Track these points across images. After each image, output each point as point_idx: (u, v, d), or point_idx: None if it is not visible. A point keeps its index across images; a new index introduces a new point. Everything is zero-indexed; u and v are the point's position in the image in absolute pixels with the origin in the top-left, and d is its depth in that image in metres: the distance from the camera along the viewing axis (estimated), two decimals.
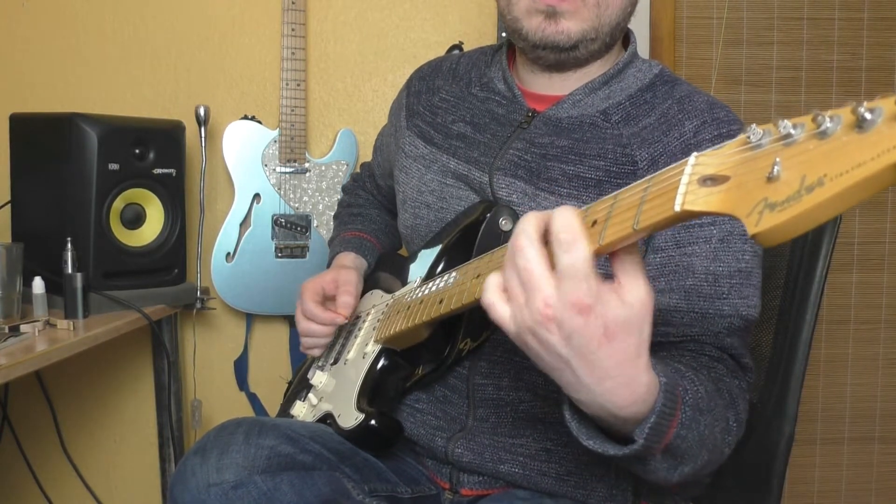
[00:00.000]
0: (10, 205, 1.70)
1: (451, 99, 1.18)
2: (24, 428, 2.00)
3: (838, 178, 0.42)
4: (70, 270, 1.51)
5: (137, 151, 1.63)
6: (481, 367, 1.04)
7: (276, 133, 1.89)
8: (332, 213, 1.49)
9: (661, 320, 0.95)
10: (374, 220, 1.37)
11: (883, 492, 2.28)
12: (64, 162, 1.57)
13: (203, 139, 1.84)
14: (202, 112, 1.83)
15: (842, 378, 2.25)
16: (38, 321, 1.43)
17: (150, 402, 1.95)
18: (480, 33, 2.03)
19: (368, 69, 2.04)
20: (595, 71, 1.08)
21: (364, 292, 1.22)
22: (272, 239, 1.90)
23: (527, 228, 0.62)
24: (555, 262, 0.61)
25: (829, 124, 0.45)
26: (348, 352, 1.15)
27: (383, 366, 1.06)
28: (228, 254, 1.88)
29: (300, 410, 1.18)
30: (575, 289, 0.60)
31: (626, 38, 1.12)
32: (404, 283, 1.13)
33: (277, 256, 1.91)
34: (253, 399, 2.06)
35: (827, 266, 1.14)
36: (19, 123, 1.70)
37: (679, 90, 1.06)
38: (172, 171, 1.69)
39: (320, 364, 1.22)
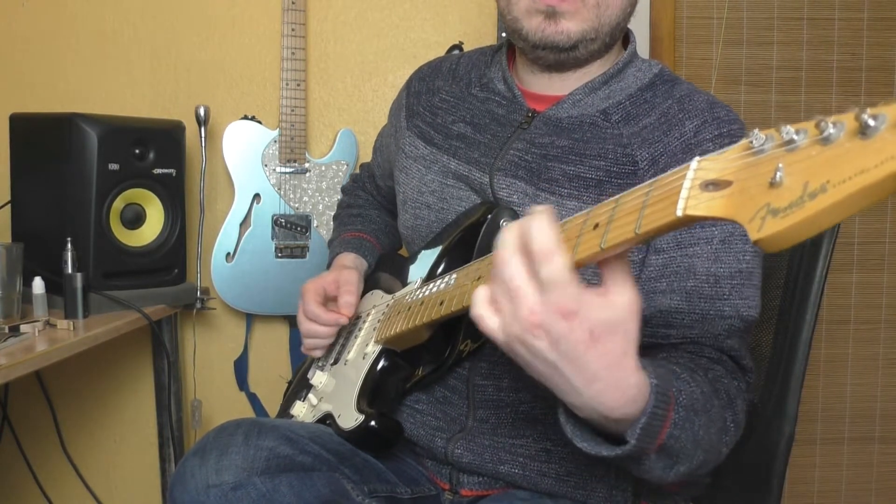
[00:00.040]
0: (10, 205, 1.70)
1: (451, 99, 1.18)
2: (24, 428, 2.00)
3: (841, 185, 0.42)
4: (70, 270, 1.51)
5: (137, 151, 1.63)
6: (482, 367, 1.04)
7: (276, 133, 1.89)
8: (332, 214, 1.49)
9: (662, 322, 0.95)
10: (373, 221, 1.37)
11: (883, 492, 2.28)
12: (64, 162, 1.57)
13: (203, 139, 1.84)
14: (202, 112, 1.83)
15: (842, 378, 2.25)
16: (38, 321, 1.43)
17: (150, 402, 1.95)
18: (480, 33, 2.03)
19: (368, 69, 2.04)
20: (595, 71, 1.08)
21: (364, 292, 1.22)
22: (272, 239, 1.90)
23: (508, 241, 0.64)
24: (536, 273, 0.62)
25: (831, 130, 0.45)
26: (348, 352, 1.15)
27: (383, 367, 1.06)
28: (228, 254, 1.88)
29: (300, 410, 1.18)
30: (558, 296, 0.61)
31: (626, 38, 1.12)
32: (404, 283, 1.13)
33: (277, 256, 1.91)
34: (253, 399, 2.06)
35: (827, 266, 1.14)
36: (19, 123, 1.70)
37: (679, 89, 1.06)
38: (172, 171, 1.69)
39: (320, 364, 1.22)
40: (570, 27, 1.01)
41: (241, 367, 2.05)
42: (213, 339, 2.06)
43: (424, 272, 1.07)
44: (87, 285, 1.53)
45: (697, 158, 0.56)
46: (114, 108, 1.96)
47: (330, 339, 1.16)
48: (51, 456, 2.04)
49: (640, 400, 0.69)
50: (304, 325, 1.16)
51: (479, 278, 0.82)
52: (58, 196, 1.59)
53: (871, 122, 0.43)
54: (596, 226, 0.63)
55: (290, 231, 1.91)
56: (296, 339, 2.01)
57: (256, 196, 1.89)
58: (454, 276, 0.91)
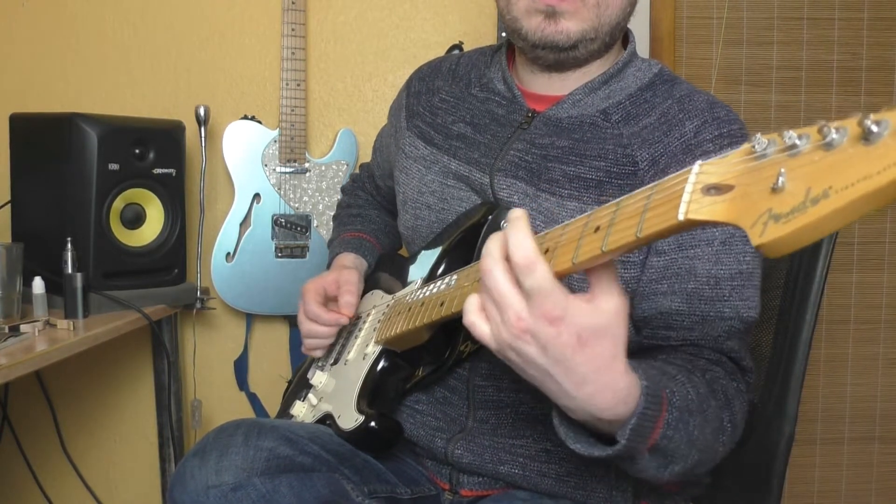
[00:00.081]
0: (10, 205, 1.70)
1: (450, 99, 1.18)
2: (24, 428, 2.00)
3: (844, 191, 0.42)
4: (70, 270, 1.51)
5: (137, 151, 1.63)
6: (482, 368, 1.04)
7: (276, 133, 1.89)
8: (332, 214, 1.49)
9: (663, 324, 0.95)
10: (373, 221, 1.37)
11: (883, 492, 2.28)
12: (64, 162, 1.57)
13: (203, 139, 1.84)
14: (202, 112, 1.83)
15: (842, 378, 2.25)
16: (38, 321, 1.43)
17: (150, 402, 1.95)
18: (480, 33, 2.03)
19: (368, 69, 2.04)
20: (594, 71, 1.08)
21: (364, 292, 1.22)
22: (272, 239, 1.90)
23: (492, 250, 0.67)
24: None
25: (834, 136, 0.45)
26: (348, 352, 1.15)
27: (383, 367, 1.06)
28: (228, 254, 1.88)
29: (300, 410, 1.18)
30: (542, 303, 0.64)
31: (626, 38, 1.12)
32: (404, 283, 1.13)
33: (277, 256, 1.90)
34: (253, 399, 2.06)
35: (827, 266, 1.14)
36: (19, 123, 1.69)
37: (679, 89, 1.06)
38: (172, 171, 1.69)
39: (320, 364, 1.22)
40: (569, 27, 1.01)
41: (241, 367, 2.05)
42: (213, 339, 2.06)
43: (425, 273, 1.07)
44: (87, 285, 1.53)
45: (699, 162, 0.56)
46: (114, 108, 1.95)
47: (330, 339, 1.16)
48: (51, 456, 2.04)
49: (631, 402, 0.71)
50: (305, 326, 1.16)
51: (479, 280, 0.82)
52: (58, 196, 1.59)
53: (875, 128, 0.43)
54: (597, 229, 0.63)
55: (290, 231, 1.90)
56: (296, 339, 2.01)
57: (256, 196, 1.89)
58: (455, 277, 0.91)
